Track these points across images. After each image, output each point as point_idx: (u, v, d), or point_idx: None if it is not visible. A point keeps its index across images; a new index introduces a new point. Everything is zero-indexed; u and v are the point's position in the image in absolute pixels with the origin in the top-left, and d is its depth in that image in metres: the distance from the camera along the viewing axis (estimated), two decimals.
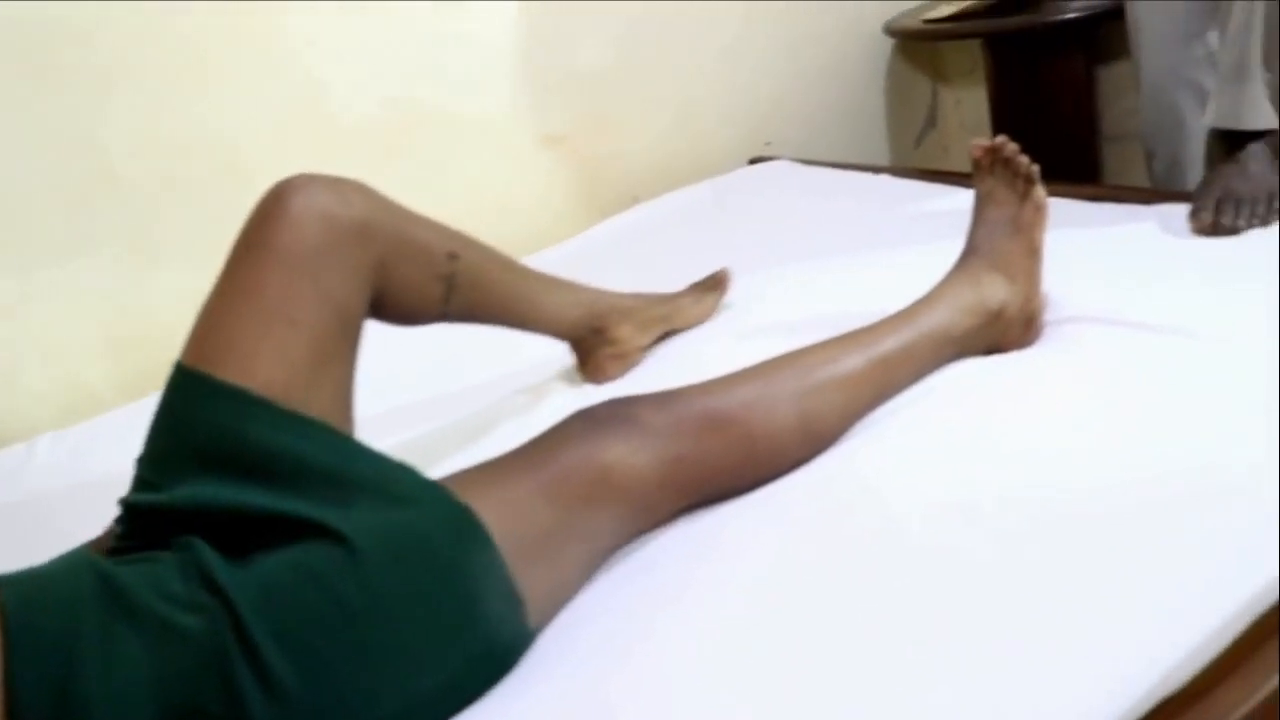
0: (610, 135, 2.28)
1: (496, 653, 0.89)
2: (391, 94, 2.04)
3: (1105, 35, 2.20)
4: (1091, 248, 1.45)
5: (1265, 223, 1.41)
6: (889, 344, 1.14)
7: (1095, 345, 1.19)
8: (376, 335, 1.12)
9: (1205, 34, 1.74)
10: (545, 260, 1.96)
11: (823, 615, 0.87)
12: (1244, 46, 1.49)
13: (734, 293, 1.53)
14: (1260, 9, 1.47)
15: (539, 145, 2.21)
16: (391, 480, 0.93)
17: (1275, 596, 0.83)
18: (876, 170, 2.01)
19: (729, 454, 1.02)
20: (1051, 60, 2.28)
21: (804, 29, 2.48)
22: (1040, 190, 1.26)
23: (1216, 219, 1.41)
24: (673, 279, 1.57)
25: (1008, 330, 1.23)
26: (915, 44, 2.63)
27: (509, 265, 1.35)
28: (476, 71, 2.12)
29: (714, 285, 1.54)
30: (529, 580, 0.91)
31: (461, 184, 2.13)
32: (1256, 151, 1.50)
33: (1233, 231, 1.40)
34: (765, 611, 0.89)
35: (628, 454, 0.97)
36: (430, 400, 1.48)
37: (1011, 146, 1.27)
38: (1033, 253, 1.25)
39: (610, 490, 0.96)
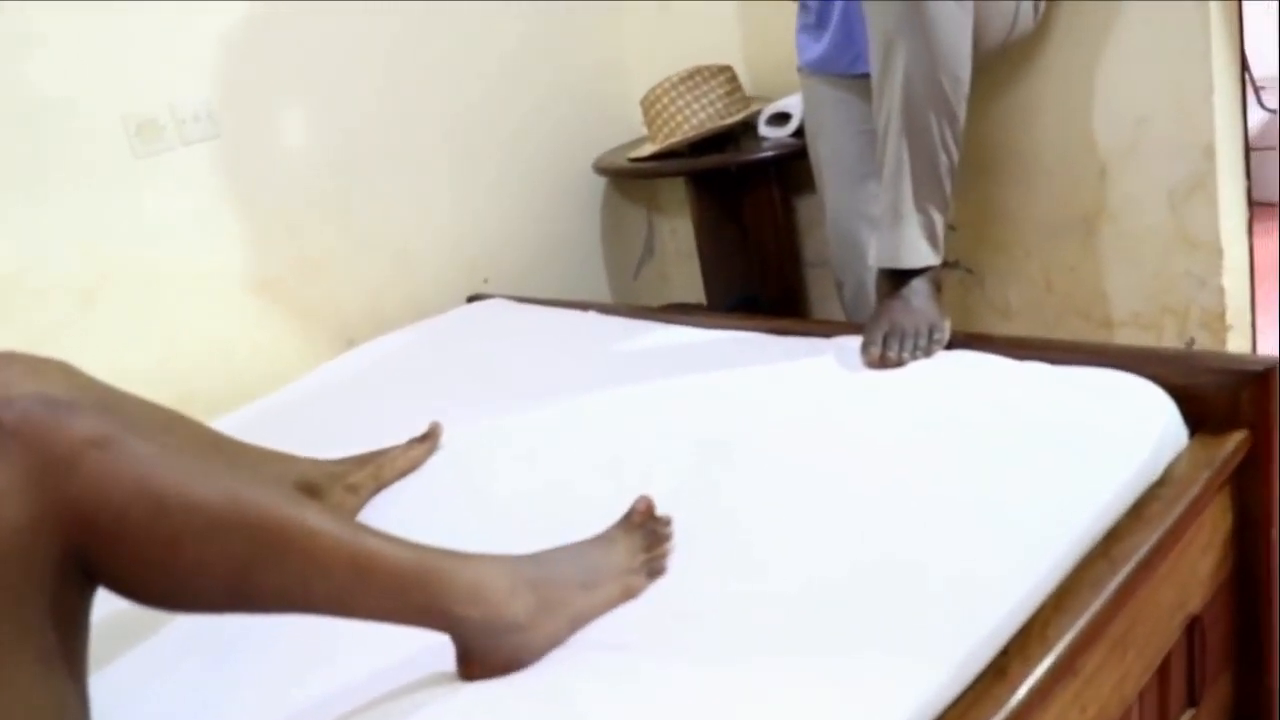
0: (323, 278, 2.26)
1: None
2: (88, 246, 1.96)
3: (798, 170, 2.35)
4: (767, 383, 1.52)
5: (928, 353, 1.50)
6: (383, 553, 0.94)
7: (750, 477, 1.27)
8: None
9: (877, 174, 1.88)
10: (260, 408, 1.91)
11: None
12: (897, 191, 1.61)
13: (446, 438, 1.57)
14: (908, 157, 1.60)
15: (249, 291, 2.16)
16: None
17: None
18: (585, 307, 2.06)
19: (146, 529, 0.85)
20: (750, 194, 2.41)
21: (516, 168, 2.55)
22: (642, 582, 1.10)
23: (884, 352, 1.50)
24: (387, 422, 1.59)
25: (492, 648, 1.00)
26: (629, 178, 2.74)
27: (216, 444, 1.31)
28: (179, 218, 2.06)
29: (424, 438, 1.57)
30: None
31: (168, 333, 2.06)
32: (918, 287, 1.61)
33: (899, 364, 1.49)
34: None
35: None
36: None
37: (670, 545, 1.16)
38: (584, 616, 1.05)
39: None
